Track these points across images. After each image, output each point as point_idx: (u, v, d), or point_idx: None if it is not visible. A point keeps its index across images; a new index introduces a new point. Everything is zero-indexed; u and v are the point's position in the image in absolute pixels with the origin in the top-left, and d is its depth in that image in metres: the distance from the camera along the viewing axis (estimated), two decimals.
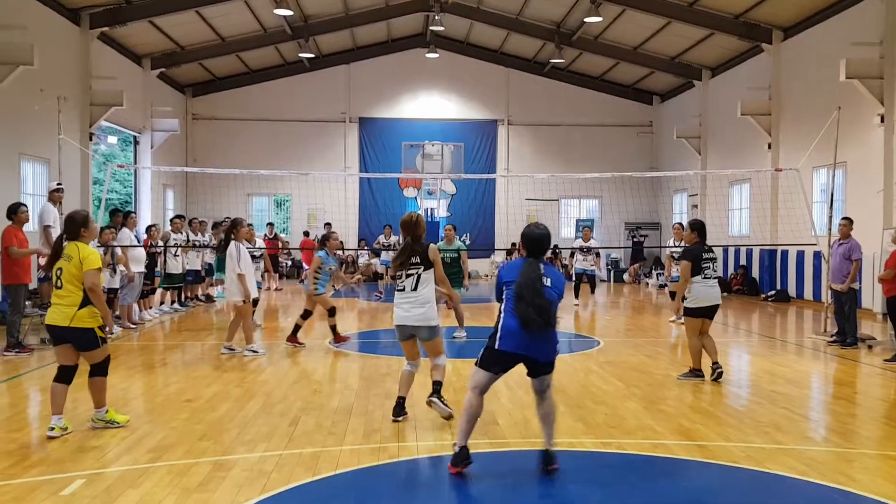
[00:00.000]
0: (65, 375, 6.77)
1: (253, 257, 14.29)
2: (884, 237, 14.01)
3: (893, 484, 5.54)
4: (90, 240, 7.00)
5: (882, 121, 16.19)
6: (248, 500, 5.10)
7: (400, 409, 7.21)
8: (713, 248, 9.58)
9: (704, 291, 9.16)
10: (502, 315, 5.78)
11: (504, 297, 5.84)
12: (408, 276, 7.13)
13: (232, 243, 10.88)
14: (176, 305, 16.38)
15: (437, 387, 7.30)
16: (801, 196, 15.12)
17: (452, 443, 6.44)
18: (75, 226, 6.80)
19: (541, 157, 29.26)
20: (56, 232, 11.98)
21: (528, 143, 29.81)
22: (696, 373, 9.30)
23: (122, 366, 10.06)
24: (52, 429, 6.56)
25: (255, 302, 14.07)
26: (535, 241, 5.94)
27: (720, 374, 9.16)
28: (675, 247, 15.28)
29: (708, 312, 9.24)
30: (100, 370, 6.81)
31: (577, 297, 17.81)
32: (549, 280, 5.74)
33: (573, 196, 29.21)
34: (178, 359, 10.80)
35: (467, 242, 28.99)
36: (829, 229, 13.13)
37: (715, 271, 9.29)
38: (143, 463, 5.87)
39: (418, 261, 7.15)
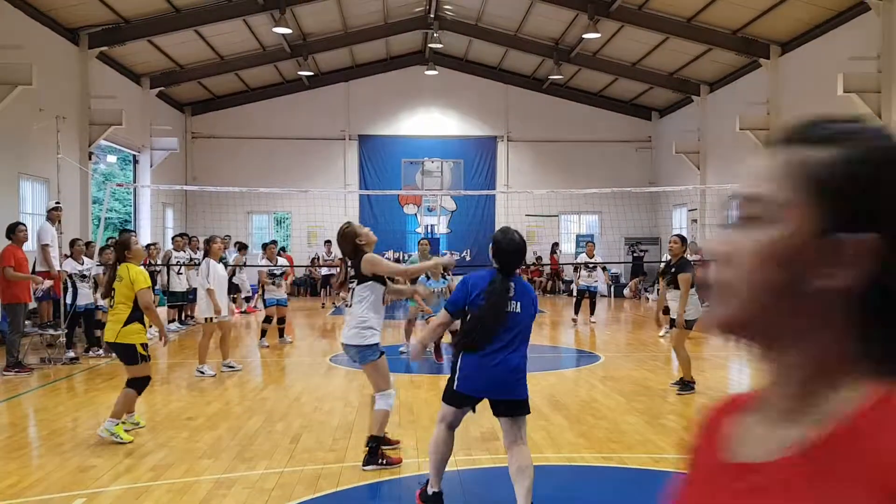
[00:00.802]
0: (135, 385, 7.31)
1: (273, 275, 14.36)
2: None
3: None
4: (136, 261, 7.48)
5: None
6: None
7: (373, 457, 6.21)
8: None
9: (697, 302, 9.39)
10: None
11: (468, 320, 4.95)
12: (349, 291, 6.50)
13: (206, 260, 10.87)
14: (177, 324, 16.37)
15: (370, 444, 6.16)
16: None
17: (454, 458, 6.42)
18: (120, 249, 7.52)
19: (540, 173, 29.32)
20: (54, 251, 12.01)
21: (527, 159, 29.88)
22: (691, 385, 9.43)
23: (122, 384, 10.01)
24: (102, 429, 7.06)
25: (269, 320, 14.15)
26: (514, 252, 5.02)
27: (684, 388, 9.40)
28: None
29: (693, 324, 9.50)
30: (134, 385, 7.21)
31: (576, 312, 17.67)
32: (518, 304, 4.92)
33: (573, 211, 29.26)
34: (179, 377, 10.78)
35: (467, 259, 29.02)
36: None
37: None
38: (144, 482, 5.85)
39: (353, 274, 6.43)
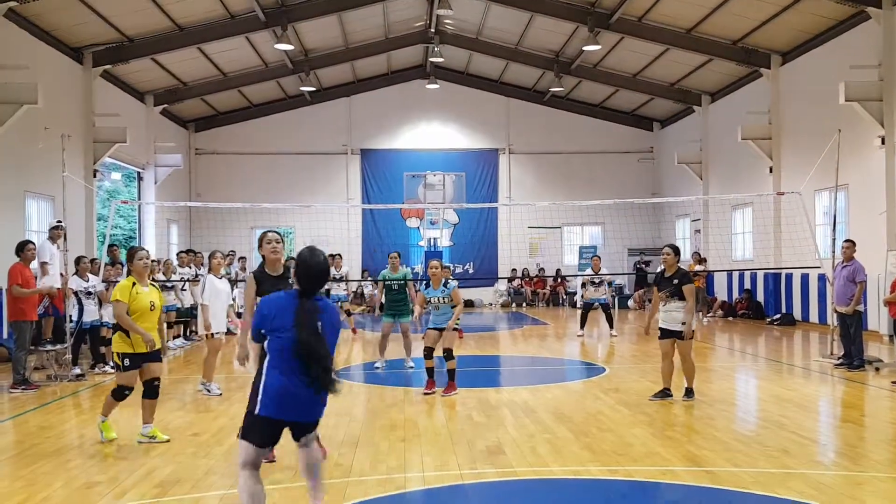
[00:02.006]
0: (147, 392, 7.72)
1: None
2: (888, 259, 14.02)
3: None
4: (138, 274, 7.73)
5: (883, 143, 16.25)
6: None
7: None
8: None
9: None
10: (265, 371, 4.61)
11: (267, 345, 4.66)
12: None
13: (205, 276, 10.72)
14: (181, 340, 16.39)
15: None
16: (803, 219, 15.15)
17: (459, 472, 6.42)
18: (128, 262, 7.88)
19: (542, 185, 29.36)
20: (54, 269, 12.05)
21: (529, 172, 29.94)
22: (691, 393, 9.56)
23: (129, 401, 9.99)
24: (140, 435, 7.65)
25: None
26: (319, 275, 4.69)
27: (663, 396, 9.56)
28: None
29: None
30: (113, 392, 7.65)
31: (582, 327, 17.51)
32: (322, 325, 4.62)
33: (576, 223, 29.28)
34: (184, 392, 10.77)
35: (470, 271, 29.04)
36: (833, 252, 13.14)
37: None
38: (150, 498, 5.85)
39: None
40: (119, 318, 7.52)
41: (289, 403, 4.56)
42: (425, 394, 10.03)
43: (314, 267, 4.67)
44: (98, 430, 7.72)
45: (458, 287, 10.61)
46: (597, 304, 17.48)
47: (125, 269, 13.59)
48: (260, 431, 4.62)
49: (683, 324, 9.43)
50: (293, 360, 4.51)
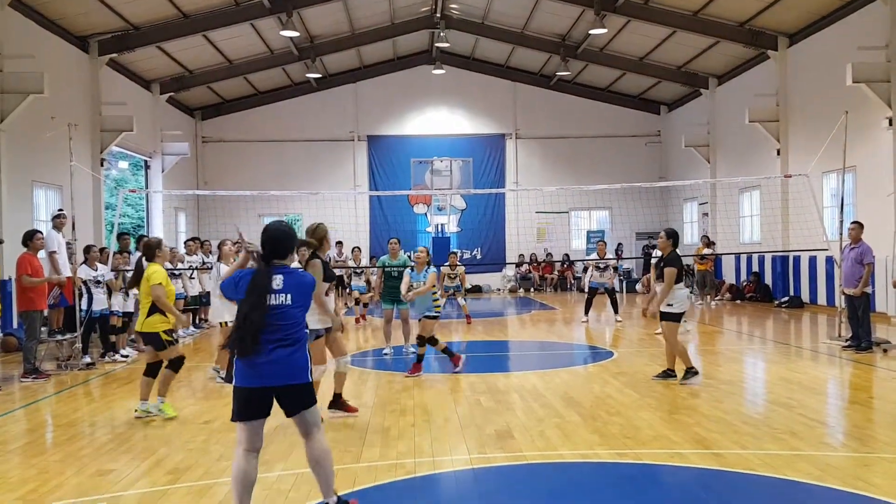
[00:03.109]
0: (150, 371, 8.32)
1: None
2: (895, 240, 13.96)
3: None
4: (164, 261, 8.60)
5: (890, 124, 16.16)
6: None
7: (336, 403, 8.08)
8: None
9: (685, 296, 9.79)
10: None
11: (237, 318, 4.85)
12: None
13: (214, 264, 10.85)
14: (191, 328, 16.47)
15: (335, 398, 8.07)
16: (811, 201, 15.09)
17: (469, 457, 6.47)
18: (151, 250, 8.43)
19: (550, 170, 29.32)
20: (61, 258, 12.09)
21: (536, 156, 29.88)
22: (692, 371, 9.58)
23: (139, 389, 10.10)
24: (136, 410, 8.20)
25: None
26: (273, 239, 4.93)
27: (666, 376, 9.75)
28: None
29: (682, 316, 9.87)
30: (171, 365, 8.27)
31: (586, 312, 17.51)
32: (287, 297, 4.79)
33: (583, 208, 29.25)
34: (195, 380, 10.84)
35: (478, 257, 29.05)
36: (841, 234, 13.10)
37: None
38: (162, 485, 5.91)
39: None
40: (159, 300, 8.11)
41: (249, 369, 4.69)
42: (406, 376, 10.39)
43: (268, 232, 4.94)
44: (161, 410, 8.16)
45: (465, 272, 10.97)
46: (602, 289, 17.48)
47: (134, 258, 13.75)
48: (238, 402, 4.74)
49: (670, 305, 9.56)
50: (254, 334, 4.69)
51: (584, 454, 6.55)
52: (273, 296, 4.76)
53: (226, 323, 10.45)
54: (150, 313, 8.15)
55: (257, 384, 4.71)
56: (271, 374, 4.70)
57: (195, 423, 8.02)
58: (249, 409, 4.74)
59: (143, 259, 8.53)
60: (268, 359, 4.69)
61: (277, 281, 4.80)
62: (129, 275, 12.97)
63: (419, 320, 10.86)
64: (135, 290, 13.15)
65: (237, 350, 4.69)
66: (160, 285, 8.15)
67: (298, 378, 4.79)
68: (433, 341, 10.50)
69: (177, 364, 8.33)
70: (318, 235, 8.04)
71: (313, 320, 7.30)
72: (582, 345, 14.23)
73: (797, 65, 20.48)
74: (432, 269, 11.05)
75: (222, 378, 10.34)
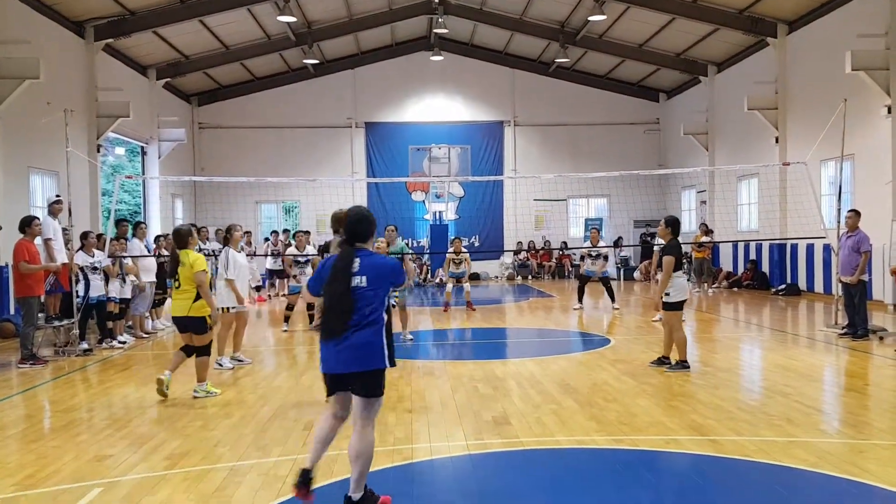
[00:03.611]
0: (187, 350, 8.66)
1: (298, 262, 14.79)
2: (893, 228, 13.97)
3: None
4: (194, 247, 8.92)
5: (889, 112, 16.14)
6: (264, 503, 5.14)
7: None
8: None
9: (684, 284, 9.72)
10: None
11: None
12: None
13: (223, 249, 10.80)
14: None
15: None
16: (809, 189, 15.10)
17: (466, 443, 6.50)
18: (183, 237, 8.78)
19: (548, 158, 29.28)
20: (57, 244, 12.07)
21: (534, 144, 29.83)
22: (684, 364, 9.55)
23: (137, 375, 10.13)
24: (196, 391, 8.58)
25: (292, 307, 14.61)
26: (354, 222, 5.10)
27: (661, 363, 9.74)
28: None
29: (683, 305, 9.83)
30: (205, 351, 8.59)
31: (580, 300, 17.50)
32: (363, 278, 4.92)
33: (581, 195, 29.24)
34: (192, 367, 10.82)
35: (476, 244, 29.04)
36: (838, 222, 13.10)
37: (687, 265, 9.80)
38: (160, 470, 5.92)
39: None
40: (203, 287, 8.48)
41: (324, 357, 4.99)
42: None
43: (349, 216, 5.15)
44: (205, 393, 8.54)
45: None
46: (595, 276, 17.44)
47: (132, 245, 13.74)
48: (325, 382, 5.08)
49: (667, 294, 9.58)
50: (337, 315, 4.92)
51: (580, 440, 6.57)
52: (351, 278, 4.94)
53: (227, 309, 10.50)
54: (196, 298, 8.46)
55: (336, 371, 4.95)
56: (347, 360, 4.89)
57: (193, 408, 8.04)
58: (334, 386, 5.04)
59: (175, 247, 8.77)
60: (346, 344, 4.87)
61: (356, 264, 4.96)
62: (129, 261, 13.09)
63: None
64: (132, 277, 13.29)
65: (324, 333, 4.90)
66: (205, 272, 8.55)
67: (373, 364, 4.93)
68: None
69: (209, 348, 8.72)
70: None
71: None
72: (579, 332, 14.25)
73: (796, 52, 20.43)
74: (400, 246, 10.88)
75: (220, 364, 10.38)
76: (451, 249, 17.60)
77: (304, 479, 4.91)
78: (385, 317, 5.05)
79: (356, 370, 4.90)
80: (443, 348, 10.99)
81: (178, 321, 8.69)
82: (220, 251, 11.10)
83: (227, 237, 11.17)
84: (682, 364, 9.55)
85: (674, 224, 9.83)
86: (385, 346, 4.97)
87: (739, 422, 7.08)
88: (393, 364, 5.02)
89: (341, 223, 7.38)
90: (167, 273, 8.78)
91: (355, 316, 4.86)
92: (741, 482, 5.67)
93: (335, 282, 4.90)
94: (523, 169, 29.07)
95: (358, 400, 4.98)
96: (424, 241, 28.44)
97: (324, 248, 8.66)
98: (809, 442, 6.40)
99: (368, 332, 4.89)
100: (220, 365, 10.33)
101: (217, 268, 17.45)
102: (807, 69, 19.86)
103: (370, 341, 4.89)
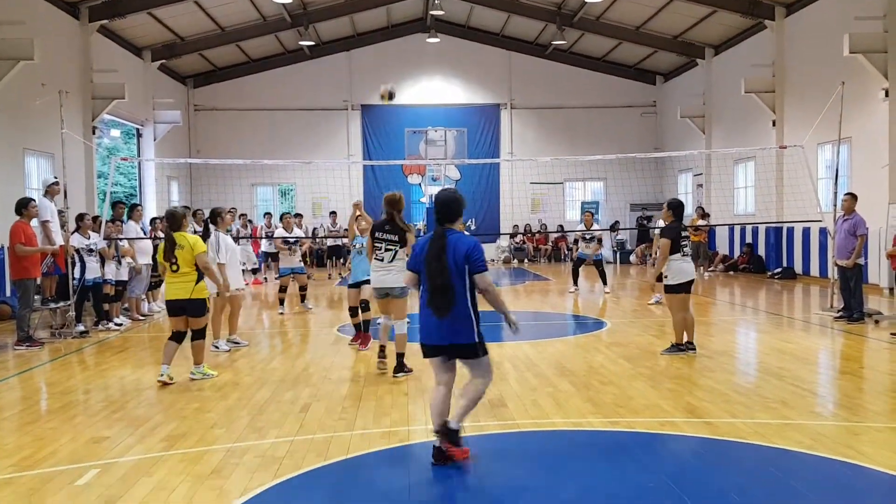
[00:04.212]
0: (178, 337, 8.44)
1: (288, 243, 14.92)
2: (889, 212, 13.98)
3: None
4: (187, 229, 8.71)
5: (886, 95, 16.11)
6: (260, 485, 5.15)
7: (381, 355, 8.73)
8: (685, 226, 9.89)
9: (683, 267, 9.55)
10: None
11: (420, 280, 5.59)
12: (386, 250, 8.51)
13: (213, 233, 10.43)
14: None
15: (399, 359, 8.54)
16: (806, 173, 15.09)
17: (463, 425, 6.51)
18: (178, 220, 8.50)
19: (544, 140, 29.20)
20: (54, 226, 12.04)
21: (531, 127, 29.74)
22: (679, 347, 9.56)
23: (133, 357, 10.13)
24: (162, 375, 8.22)
25: (284, 289, 14.62)
26: (440, 204, 5.54)
27: (693, 353, 9.53)
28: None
29: (687, 287, 9.60)
30: (202, 334, 8.51)
31: (574, 283, 17.48)
32: (455, 256, 5.36)
33: (578, 178, 29.17)
34: (187, 349, 10.82)
35: (472, 227, 29.01)
36: (835, 205, 13.11)
37: (689, 248, 9.74)
38: (156, 451, 5.93)
39: (395, 239, 8.50)
40: (208, 268, 8.47)
41: (424, 329, 5.51)
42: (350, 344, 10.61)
43: (439, 198, 5.58)
44: (202, 375, 8.51)
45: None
46: (589, 259, 17.39)
47: (127, 227, 13.70)
48: (425, 352, 5.61)
49: (666, 277, 9.59)
50: (425, 291, 5.46)
51: (576, 422, 6.60)
52: (447, 257, 5.39)
53: (218, 293, 10.39)
54: (197, 280, 8.34)
55: (437, 343, 5.49)
56: (447, 334, 5.43)
57: (189, 390, 8.05)
58: (433, 353, 5.58)
59: (170, 229, 8.51)
60: (446, 318, 5.38)
61: (448, 243, 5.44)
62: (125, 244, 13.05)
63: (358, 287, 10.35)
64: (128, 259, 13.25)
65: (435, 313, 5.36)
66: (206, 253, 8.50)
67: (469, 338, 5.45)
68: (367, 307, 10.22)
69: (205, 332, 8.63)
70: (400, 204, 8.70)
71: (392, 279, 8.43)
72: (575, 315, 14.28)
73: (794, 35, 20.36)
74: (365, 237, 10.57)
75: (216, 347, 10.39)
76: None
77: (446, 433, 5.47)
78: (471, 293, 5.50)
79: (454, 343, 5.44)
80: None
81: (175, 304, 8.42)
82: (204, 234, 10.75)
83: (214, 220, 10.55)
84: (678, 346, 9.57)
85: (675, 207, 9.77)
86: (474, 320, 5.46)
87: (735, 404, 7.10)
88: (481, 337, 5.51)
89: (392, 205, 8.53)
90: (162, 255, 8.47)
91: (451, 292, 5.35)
92: (736, 464, 5.70)
93: (435, 260, 5.37)
94: (520, 152, 29.00)
95: (465, 362, 5.60)
96: (421, 225, 28.41)
97: (376, 228, 8.63)
98: (804, 424, 6.43)
99: (462, 308, 5.39)
100: (217, 347, 10.34)
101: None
102: (804, 52, 19.79)
103: (465, 315, 5.40)
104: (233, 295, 10.52)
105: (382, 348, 8.80)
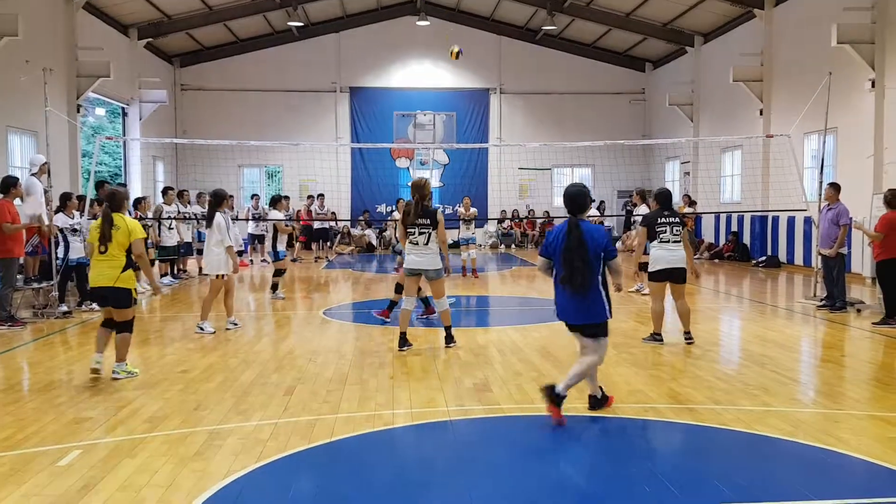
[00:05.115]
0: (110, 324, 7.79)
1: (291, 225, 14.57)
2: (873, 202, 14.07)
3: (879, 444, 5.63)
4: (91, 212, 7.88)
5: (873, 86, 16.18)
6: (244, 467, 5.15)
7: (403, 342, 8.93)
8: (675, 214, 9.60)
9: (660, 255, 9.35)
10: (554, 282, 6.27)
11: (554, 263, 6.23)
12: (420, 233, 8.94)
13: (218, 215, 10.49)
14: (169, 278, 16.39)
15: (448, 331, 9.14)
16: (792, 162, 15.15)
17: (447, 409, 6.54)
18: (119, 201, 7.84)
19: (533, 126, 29.17)
20: (43, 205, 11.94)
21: (520, 112, 29.69)
22: (655, 337, 9.47)
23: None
24: (94, 364, 7.63)
25: (282, 272, 14.23)
26: (567, 198, 6.26)
27: (690, 343, 9.34)
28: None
29: (669, 276, 9.36)
30: (127, 328, 7.76)
31: None
32: (588, 243, 6.02)
33: (566, 165, 29.13)
34: (173, 330, 10.82)
35: (447, 212, 28.97)
36: (820, 195, 13.18)
37: (675, 235, 9.35)
38: (139, 433, 5.91)
39: (428, 222, 8.95)
40: (142, 257, 7.80)
41: (561, 309, 6.26)
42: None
43: (568, 192, 6.29)
44: (125, 374, 7.66)
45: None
46: None
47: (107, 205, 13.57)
48: (568, 328, 6.37)
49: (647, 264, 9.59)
50: (563, 274, 6.08)
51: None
52: (585, 243, 6.05)
53: (221, 276, 10.42)
54: (125, 268, 7.62)
55: (574, 322, 6.24)
56: (583, 314, 6.16)
57: (172, 372, 8.02)
58: (572, 329, 6.33)
59: (109, 209, 7.76)
60: (582, 300, 6.08)
61: (582, 231, 6.08)
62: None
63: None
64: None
65: (572, 290, 6.03)
66: (143, 240, 7.83)
67: (601, 317, 6.18)
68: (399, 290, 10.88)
69: (132, 324, 7.86)
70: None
71: (427, 261, 8.96)
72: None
73: (783, 24, 20.38)
74: None
75: (201, 329, 10.36)
76: (460, 209, 17.82)
77: (596, 401, 6.39)
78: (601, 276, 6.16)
79: (588, 322, 6.15)
80: (429, 319, 11.02)
81: (98, 292, 7.80)
82: (209, 216, 10.69)
83: (219, 202, 10.67)
84: (654, 336, 9.51)
85: (658, 195, 9.75)
86: (606, 300, 6.14)
87: (717, 391, 7.16)
88: (611, 315, 6.23)
89: (419, 190, 9.04)
90: (93, 235, 7.75)
91: (592, 275, 6.03)
92: (718, 450, 5.75)
93: (575, 248, 6.01)
94: (508, 137, 28.96)
95: (589, 339, 6.23)
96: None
97: (408, 212, 8.97)
98: (785, 411, 6.49)
99: (596, 290, 6.08)
100: (202, 329, 10.31)
101: (199, 231, 17.38)
102: (793, 41, 19.83)
103: (598, 298, 6.10)
104: (229, 277, 10.54)
105: (403, 335, 8.99)
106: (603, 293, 6.15)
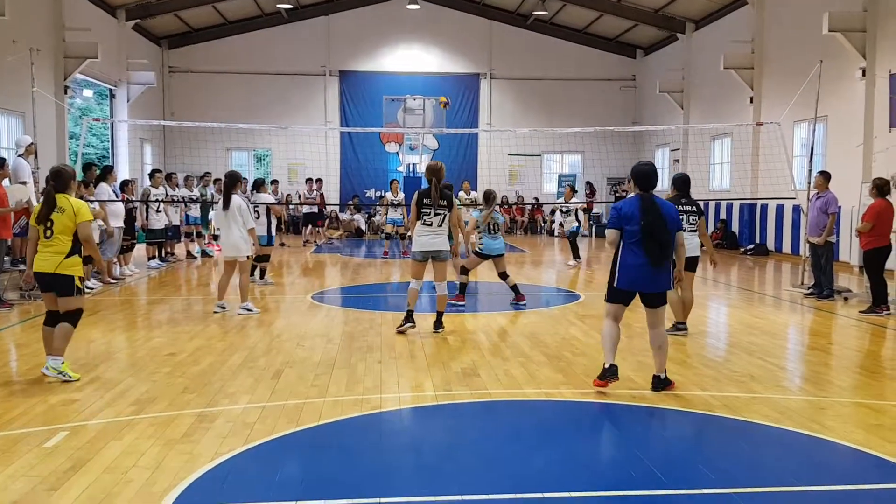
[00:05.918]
0: (53, 320, 7.02)
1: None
2: (862, 190, 14.13)
3: (864, 430, 5.67)
4: (76, 193, 7.37)
5: (863, 74, 16.21)
6: (231, 450, 5.14)
7: (408, 319, 9.05)
8: (695, 202, 9.41)
9: None
10: (620, 252, 6.43)
11: (624, 235, 6.40)
12: (436, 214, 8.97)
13: (236, 196, 10.49)
14: (157, 261, 16.32)
15: (439, 317, 9.22)
16: (781, 150, 15.18)
17: (434, 394, 6.55)
18: (65, 180, 7.08)
19: (523, 112, 29.12)
20: (30, 186, 11.85)
21: (510, 98, 29.63)
22: (679, 326, 9.29)
23: (104, 321, 10.04)
24: (47, 368, 6.88)
25: (267, 258, 13.84)
26: (642, 174, 6.52)
27: (676, 330, 9.20)
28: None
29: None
30: (70, 319, 6.99)
31: (576, 256, 17.45)
32: (666, 216, 6.35)
33: (555, 151, 29.16)
34: (160, 313, 10.78)
35: None
36: (809, 183, 13.21)
37: (691, 224, 9.14)
38: (126, 415, 5.89)
39: (445, 203, 9.01)
40: (89, 241, 7.02)
41: (635, 278, 6.40)
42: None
43: (637, 170, 6.61)
44: (57, 373, 6.84)
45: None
46: (563, 232, 17.58)
47: (101, 190, 13.49)
48: (615, 296, 6.56)
49: None
50: (640, 244, 6.33)
51: (548, 393, 6.64)
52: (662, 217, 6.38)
53: (249, 256, 10.54)
54: (69, 254, 6.89)
55: (647, 290, 6.47)
56: (657, 282, 6.42)
57: (160, 355, 7.99)
58: (627, 300, 6.57)
59: (53, 189, 7.02)
60: (659, 269, 6.35)
61: (658, 203, 6.47)
62: (97, 206, 12.83)
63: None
64: (99, 222, 13.00)
65: (655, 262, 6.31)
66: (90, 223, 7.05)
67: (666, 286, 6.51)
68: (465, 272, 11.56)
69: (77, 317, 7.05)
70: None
71: (440, 242, 9.05)
72: (550, 287, 14.34)
73: (774, 11, 20.37)
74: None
75: (247, 309, 10.50)
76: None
77: (613, 371, 6.49)
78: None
79: (658, 290, 6.47)
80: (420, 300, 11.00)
81: (41, 278, 6.98)
82: (226, 198, 10.56)
83: (233, 182, 10.62)
84: (678, 326, 9.38)
85: (676, 181, 9.51)
86: (671, 273, 6.53)
87: (704, 378, 7.19)
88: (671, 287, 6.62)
89: (434, 173, 8.96)
90: (36, 218, 7.02)
91: (669, 247, 6.37)
92: (705, 436, 5.78)
93: (658, 220, 6.31)
94: (498, 123, 28.91)
95: (652, 310, 6.53)
96: (400, 195, 28.26)
97: (423, 194, 8.98)
98: (772, 398, 6.53)
99: (668, 262, 6.42)
100: (223, 308, 10.51)
101: (187, 214, 17.30)
102: (784, 29, 19.83)
103: (669, 268, 6.44)
104: (241, 261, 10.54)
105: (410, 313, 9.07)
106: (669, 265, 6.49)
